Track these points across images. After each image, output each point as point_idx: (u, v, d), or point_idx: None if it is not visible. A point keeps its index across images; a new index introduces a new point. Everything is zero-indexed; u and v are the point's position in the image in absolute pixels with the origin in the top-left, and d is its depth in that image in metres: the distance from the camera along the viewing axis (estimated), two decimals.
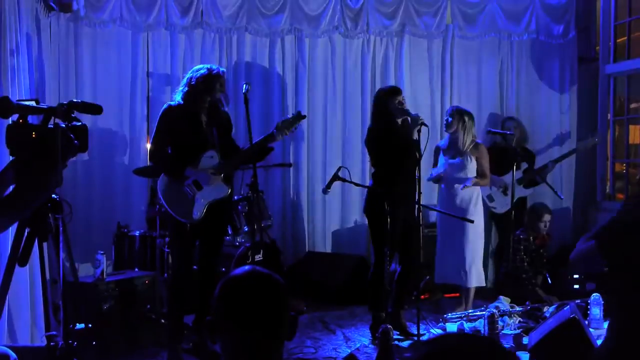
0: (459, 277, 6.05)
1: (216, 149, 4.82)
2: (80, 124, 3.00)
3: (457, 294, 6.37)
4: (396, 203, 5.17)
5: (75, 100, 2.99)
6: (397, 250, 5.42)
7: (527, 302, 5.90)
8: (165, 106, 4.82)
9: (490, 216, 6.97)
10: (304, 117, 4.99)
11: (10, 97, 2.87)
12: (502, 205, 6.73)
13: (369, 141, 5.48)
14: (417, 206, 5.20)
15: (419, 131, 5.19)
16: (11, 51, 4.99)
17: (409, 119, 5.26)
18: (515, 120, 7.24)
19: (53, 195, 2.93)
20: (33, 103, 2.85)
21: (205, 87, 4.75)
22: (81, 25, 6.53)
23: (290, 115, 4.98)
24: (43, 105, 2.84)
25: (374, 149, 5.43)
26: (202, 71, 4.77)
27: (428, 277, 6.42)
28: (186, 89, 4.78)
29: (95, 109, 3.04)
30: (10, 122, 2.57)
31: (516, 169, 6.45)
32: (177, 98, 4.81)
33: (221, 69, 4.87)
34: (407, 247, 5.41)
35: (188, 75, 4.84)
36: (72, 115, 2.91)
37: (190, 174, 4.75)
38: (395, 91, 5.44)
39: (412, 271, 5.48)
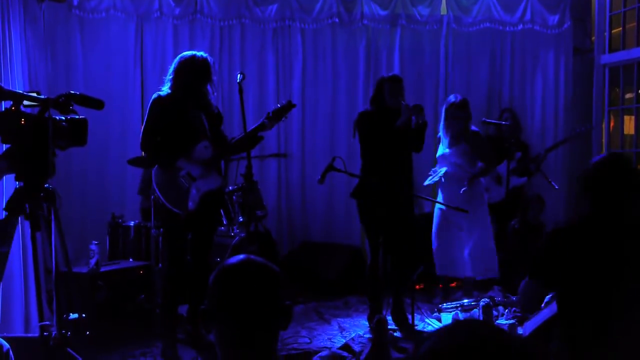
0: (463, 267, 6.03)
1: (209, 139, 4.79)
2: (79, 117, 2.97)
3: (454, 284, 6.38)
4: (380, 192, 5.16)
5: (73, 92, 2.94)
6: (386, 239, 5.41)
7: None
8: (154, 96, 4.72)
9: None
10: (294, 105, 4.94)
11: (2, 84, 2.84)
12: (497, 194, 6.73)
13: (356, 123, 5.42)
14: (409, 196, 5.18)
15: (417, 121, 5.20)
16: (3, 41, 4.95)
17: (402, 107, 5.24)
18: (510, 111, 7.23)
19: (46, 185, 2.91)
20: (34, 94, 2.82)
21: (194, 75, 4.67)
22: (74, 14, 6.50)
23: (280, 105, 4.93)
24: (40, 96, 2.81)
25: (358, 131, 5.39)
26: (190, 59, 4.68)
27: (422, 267, 6.40)
28: (174, 77, 4.70)
29: (96, 103, 2.99)
30: (2, 110, 2.56)
31: (510, 159, 6.45)
32: (165, 88, 4.72)
33: (208, 56, 4.77)
34: (393, 237, 5.38)
35: (174, 64, 4.74)
36: (70, 107, 2.88)
37: (184, 164, 4.71)
38: (393, 79, 5.41)
39: (401, 260, 5.42)
